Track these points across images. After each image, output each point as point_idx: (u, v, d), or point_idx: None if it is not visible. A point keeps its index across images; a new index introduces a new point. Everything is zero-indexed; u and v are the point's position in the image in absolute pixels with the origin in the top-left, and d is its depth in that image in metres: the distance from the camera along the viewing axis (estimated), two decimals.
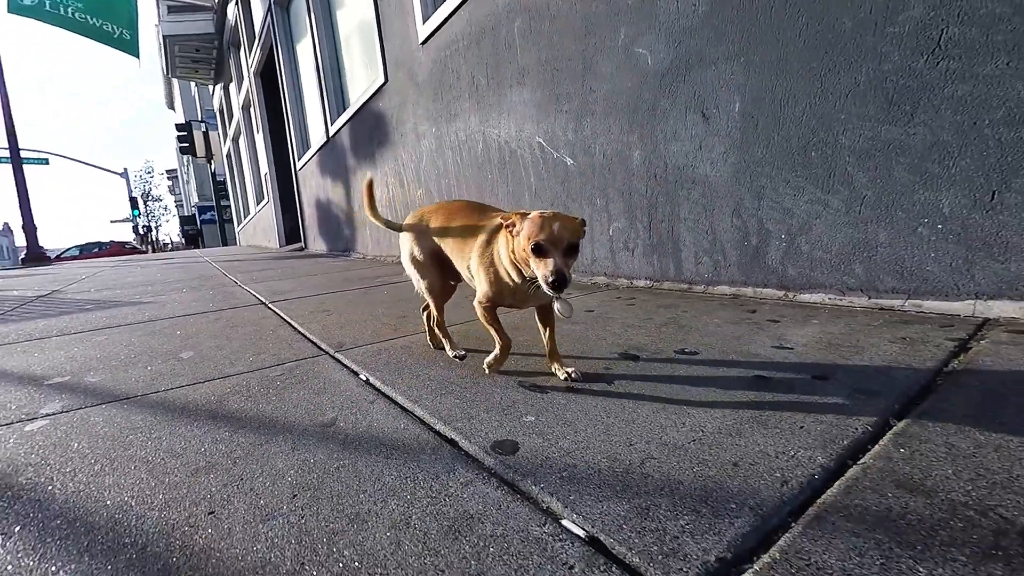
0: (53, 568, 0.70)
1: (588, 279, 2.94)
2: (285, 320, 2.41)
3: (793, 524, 0.68)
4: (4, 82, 12.04)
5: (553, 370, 1.32)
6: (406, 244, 1.59)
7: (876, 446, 0.85)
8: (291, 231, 11.20)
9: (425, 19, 4.27)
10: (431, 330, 1.67)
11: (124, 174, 27.20)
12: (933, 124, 1.58)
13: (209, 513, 0.81)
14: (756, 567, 0.61)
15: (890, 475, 0.76)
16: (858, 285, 1.81)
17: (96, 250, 26.42)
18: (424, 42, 4.30)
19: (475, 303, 1.35)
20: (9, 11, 12.02)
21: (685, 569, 0.61)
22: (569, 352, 1.50)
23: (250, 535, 0.74)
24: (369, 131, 5.87)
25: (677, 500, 0.74)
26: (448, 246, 1.48)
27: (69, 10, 12.60)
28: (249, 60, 11.37)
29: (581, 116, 2.83)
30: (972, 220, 1.54)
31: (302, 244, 9.86)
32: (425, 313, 1.69)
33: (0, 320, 3.03)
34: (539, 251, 1.09)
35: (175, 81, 25.32)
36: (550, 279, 1.06)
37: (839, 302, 1.85)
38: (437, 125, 4.37)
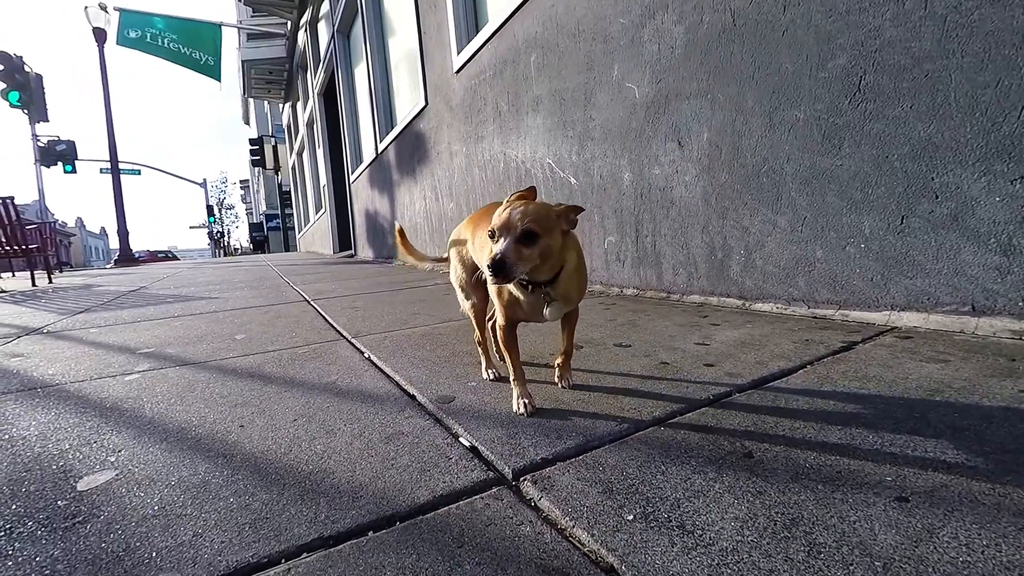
0: (147, 443, 1.14)
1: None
2: (320, 313, 2.89)
3: (605, 446, 1.00)
4: (110, 104, 13.85)
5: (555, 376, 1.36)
6: (452, 263, 1.51)
7: (704, 408, 1.15)
8: (343, 239, 12.09)
9: (459, 51, 4.75)
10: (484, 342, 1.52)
11: (203, 184, 29.94)
12: (856, 156, 1.81)
13: (240, 426, 1.22)
14: (563, 461, 0.94)
15: (694, 422, 1.06)
16: (800, 296, 2.04)
17: (137, 258, 31.54)
18: (458, 71, 4.78)
19: (496, 325, 1.30)
20: (118, 44, 13.84)
21: (517, 460, 0.95)
22: (532, 342, 1.84)
23: (264, 437, 1.15)
24: (411, 149, 6.44)
25: (539, 431, 1.08)
26: (476, 257, 1.36)
27: (167, 41, 14.35)
28: (314, 82, 12.48)
29: (583, 141, 3.17)
30: (887, 241, 1.75)
31: (352, 251, 10.66)
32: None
33: (104, 309, 3.74)
34: (492, 238, 1.03)
35: (251, 100, 27.71)
36: (487, 263, 0.98)
37: (784, 311, 2.08)
38: (467, 145, 4.82)
